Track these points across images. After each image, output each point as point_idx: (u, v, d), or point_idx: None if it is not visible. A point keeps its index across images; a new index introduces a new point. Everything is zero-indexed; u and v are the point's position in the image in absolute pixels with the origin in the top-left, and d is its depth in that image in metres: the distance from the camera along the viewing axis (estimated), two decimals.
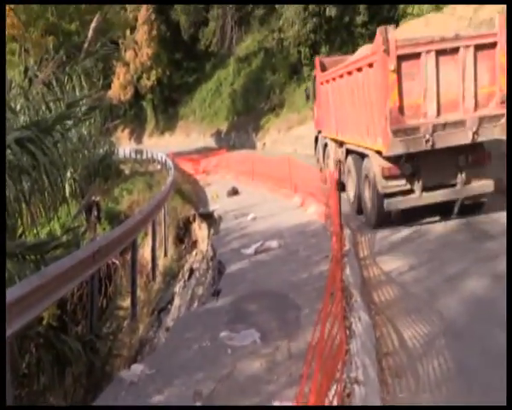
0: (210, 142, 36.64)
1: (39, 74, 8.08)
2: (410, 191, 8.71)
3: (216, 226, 11.41)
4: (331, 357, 3.63)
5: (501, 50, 8.14)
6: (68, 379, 5.55)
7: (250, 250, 8.18)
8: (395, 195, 8.71)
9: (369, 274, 6.96)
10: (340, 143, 11.37)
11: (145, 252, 10.81)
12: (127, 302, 7.89)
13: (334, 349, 3.76)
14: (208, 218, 12.66)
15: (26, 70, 8.91)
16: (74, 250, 5.92)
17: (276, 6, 26.21)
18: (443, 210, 9.08)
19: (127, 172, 22.14)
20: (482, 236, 8.11)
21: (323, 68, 12.80)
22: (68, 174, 11.49)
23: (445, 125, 8.27)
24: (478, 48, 8.19)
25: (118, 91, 41.70)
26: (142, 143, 44.63)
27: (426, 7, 18.12)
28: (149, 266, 9.73)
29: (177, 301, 8.87)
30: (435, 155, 8.41)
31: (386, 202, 8.71)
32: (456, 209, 8.90)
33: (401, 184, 8.67)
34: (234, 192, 14.90)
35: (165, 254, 11.20)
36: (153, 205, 9.41)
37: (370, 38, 22.20)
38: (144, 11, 40.53)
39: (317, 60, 13.75)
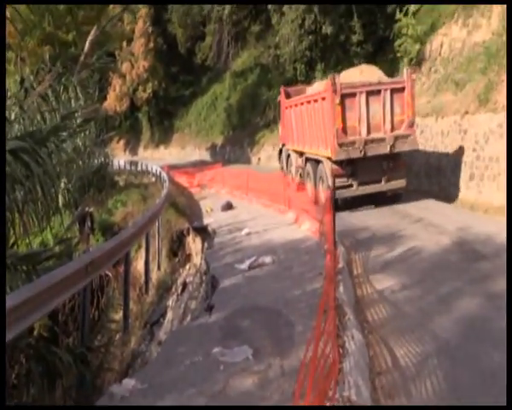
0: (205, 155, 36.71)
1: (36, 87, 8.08)
2: (350, 185, 12.32)
3: (210, 240, 11.38)
4: (324, 376, 3.62)
5: (407, 93, 12.10)
6: (58, 392, 5.47)
7: (244, 265, 8.16)
8: (340, 188, 11.89)
9: (362, 292, 6.97)
10: (301, 154, 14.89)
11: (138, 264, 10.75)
12: (119, 315, 7.81)
13: (326, 368, 3.75)
14: (202, 232, 12.63)
15: (23, 80, 8.92)
16: (67, 261, 5.87)
17: (273, 23, 26.41)
18: (375, 200, 12.56)
19: (121, 183, 22.08)
20: (475, 256, 8.15)
21: (288, 96, 16.15)
22: (62, 185, 11.46)
23: (372, 141, 12.10)
24: (393, 90, 12.12)
25: (113, 103, 41.80)
26: (137, 155, 44.65)
27: (420, 27, 18.33)
28: (142, 278, 9.67)
29: (169, 315, 8.81)
30: (367, 161, 12.12)
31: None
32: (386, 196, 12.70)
33: (344, 180, 12.18)
34: (228, 207, 14.90)
35: (159, 268, 11.14)
36: (147, 217, 9.37)
37: (365, 57, 22.55)
38: (141, 24, 40.76)
39: (282, 89, 16.92)
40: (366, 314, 6.11)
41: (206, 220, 13.53)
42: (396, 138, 12.05)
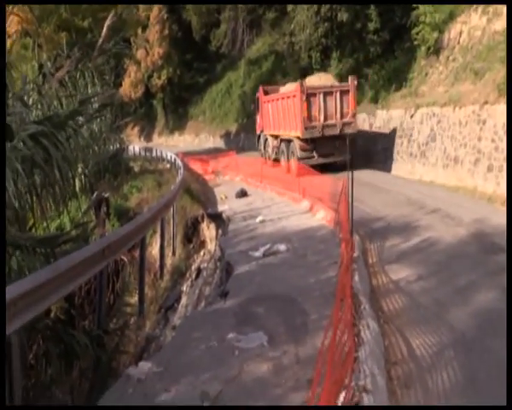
0: (219, 143, 36.69)
1: (55, 73, 8.12)
2: (313, 157, 17.58)
3: (224, 227, 11.41)
4: (340, 364, 3.62)
5: (351, 94, 17.65)
6: (75, 373, 5.55)
7: (258, 253, 8.17)
8: (305, 159, 17.19)
9: (377, 282, 6.94)
10: (276, 137, 20.19)
11: (153, 250, 10.81)
12: (134, 299, 7.88)
13: (343, 356, 3.75)
14: (217, 218, 12.65)
15: (41, 66, 8.97)
16: (83, 245, 5.92)
17: (288, 10, 26.09)
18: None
19: (136, 169, 22.17)
20: (491, 248, 8.06)
21: (266, 93, 21.25)
22: (79, 169, 11.56)
23: (328, 125, 17.54)
24: (341, 92, 17.73)
25: (128, 89, 41.86)
26: (151, 142, 44.77)
27: (438, 15, 18.03)
28: (157, 263, 9.72)
29: (184, 300, 8.86)
30: (324, 139, 17.53)
31: (301, 162, 16.49)
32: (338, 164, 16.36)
33: (308, 153, 17.62)
34: (242, 194, 14.91)
35: (174, 253, 11.18)
36: (162, 203, 9.40)
37: (381, 45, 22.24)
38: (157, 11, 40.64)
39: (260, 88, 22.13)
40: (381, 304, 6.09)
41: (221, 207, 13.56)
42: (343, 124, 17.56)
